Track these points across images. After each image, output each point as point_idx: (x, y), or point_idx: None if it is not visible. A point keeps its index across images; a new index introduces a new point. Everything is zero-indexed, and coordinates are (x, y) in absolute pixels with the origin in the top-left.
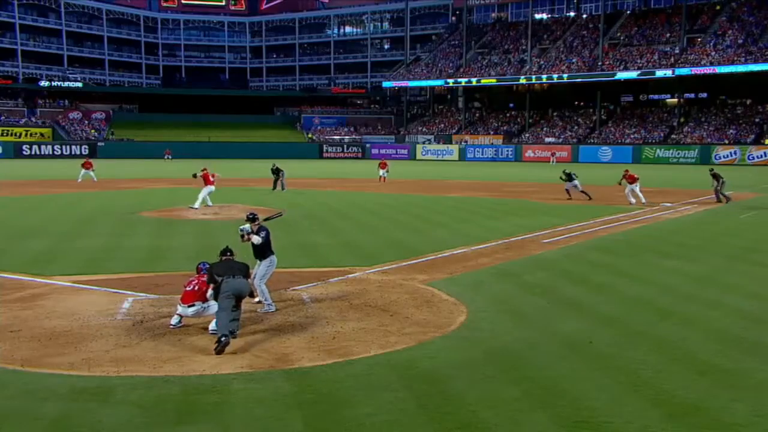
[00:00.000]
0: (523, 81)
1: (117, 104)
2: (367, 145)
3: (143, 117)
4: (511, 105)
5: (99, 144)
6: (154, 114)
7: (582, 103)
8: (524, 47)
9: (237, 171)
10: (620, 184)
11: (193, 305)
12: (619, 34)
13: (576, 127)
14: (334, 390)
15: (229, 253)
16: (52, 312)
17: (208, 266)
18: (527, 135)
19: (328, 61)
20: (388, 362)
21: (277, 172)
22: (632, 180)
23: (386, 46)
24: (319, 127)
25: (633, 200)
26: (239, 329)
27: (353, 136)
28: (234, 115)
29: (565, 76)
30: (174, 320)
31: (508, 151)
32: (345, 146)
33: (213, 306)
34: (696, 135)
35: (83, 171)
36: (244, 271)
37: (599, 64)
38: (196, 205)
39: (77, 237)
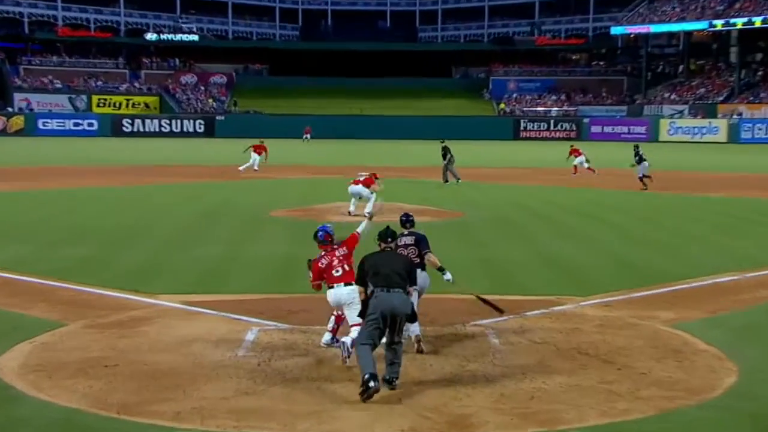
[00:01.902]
0: None
1: (242, 64)
2: (585, 121)
3: (275, 81)
4: None
5: (218, 118)
6: (289, 77)
7: None
8: None
9: (397, 156)
10: None
11: (350, 284)
12: None
13: None
14: None
15: (390, 239)
16: (156, 342)
17: (329, 231)
18: None
19: None
20: None
21: (445, 153)
22: None
23: None
24: (515, 95)
25: None
26: (397, 376)
27: (564, 108)
28: (396, 79)
29: None
30: (326, 338)
31: None
32: (551, 122)
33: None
34: None
35: (255, 157)
36: (408, 276)
37: None
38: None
39: (190, 243)
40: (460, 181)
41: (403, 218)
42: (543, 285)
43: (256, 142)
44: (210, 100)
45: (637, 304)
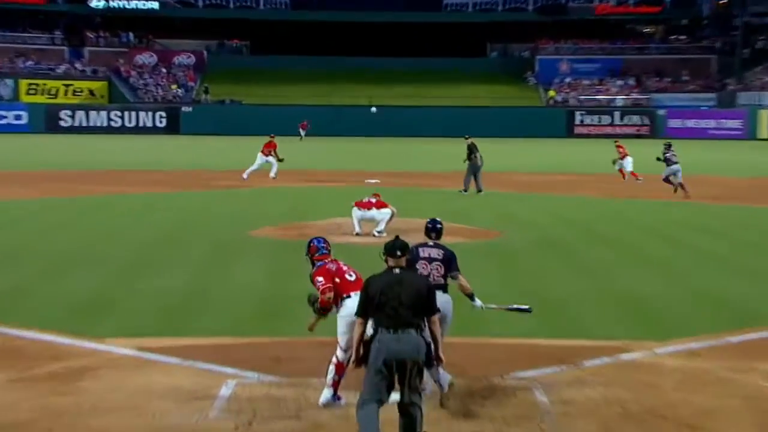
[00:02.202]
0: None
1: (215, 40)
2: (660, 113)
3: (258, 62)
4: None
5: (184, 109)
6: (277, 57)
7: None
8: None
9: (415, 159)
10: None
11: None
12: None
13: None
14: None
15: (399, 253)
16: (102, 401)
17: (322, 244)
18: None
19: None
20: None
21: (471, 153)
22: None
23: None
24: (568, 79)
25: None
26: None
27: (633, 95)
28: (414, 60)
29: None
30: (325, 395)
31: None
32: (616, 114)
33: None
34: None
35: (262, 159)
36: (424, 307)
37: None
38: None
39: (147, 272)
40: (482, 192)
41: (429, 225)
42: (606, 326)
43: (269, 140)
44: (174, 87)
45: (732, 353)
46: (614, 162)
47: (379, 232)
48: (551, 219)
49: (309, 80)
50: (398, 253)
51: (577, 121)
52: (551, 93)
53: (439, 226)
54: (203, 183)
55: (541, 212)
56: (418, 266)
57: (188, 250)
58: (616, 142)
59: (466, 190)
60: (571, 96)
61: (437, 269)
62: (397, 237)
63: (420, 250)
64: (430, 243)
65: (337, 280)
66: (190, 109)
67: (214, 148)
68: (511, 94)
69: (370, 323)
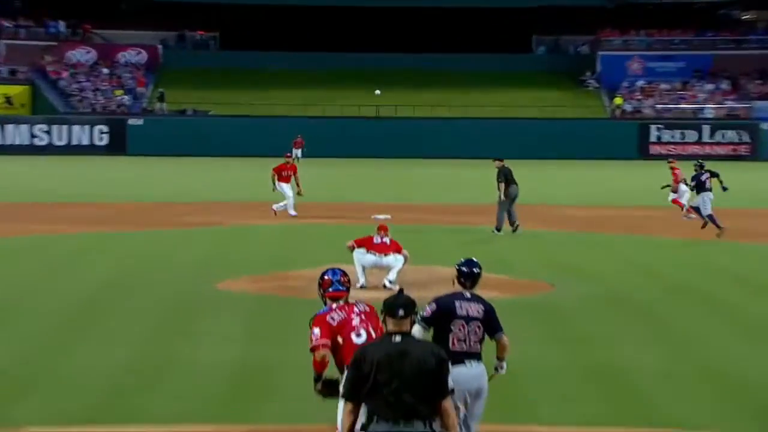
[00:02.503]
0: None
1: (173, 30)
2: (763, 127)
3: (230, 60)
4: None
5: (131, 122)
6: (253, 53)
7: None
8: None
9: (438, 188)
10: None
11: None
12: None
13: None
14: None
15: (402, 312)
16: None
17: (338, 277)
18: None
19: None
20: None
21: (505, 180)
22: None
23: None
24: (640, 82)
25: None
26: None
27: (728, 103)
28: (436, 56)
29: None
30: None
31: None
32: (705, 129)
33: None
34: None
35: (287, 192)
36: (435, 393)
37: None
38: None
39: (78, 340)
40: (518, 227)
41: (464, 268)
42: (701, 413)
43: (285, 161)
44: (118, 93)
45: None
46: (665, 188)
47: (391, 282)
48: (619, 267)
49: (297, 84)
50: (401, 312)
51: (653, 138)
52: (617, 101)
53: (477, 270)
54: (159, 220)
55: (605, 258)
56: (452, 327)
57: (138, 308)
58: (670, 162)
59: (499, 229)
60: (644, 105)
61: (475, 332)
62: (400, 291)
63: (457, 304)
64: (467, 294)
65: (340, 339)
66: (140, 122)
67: (173, 173)
68: (564, 102)
69: (363, 409)
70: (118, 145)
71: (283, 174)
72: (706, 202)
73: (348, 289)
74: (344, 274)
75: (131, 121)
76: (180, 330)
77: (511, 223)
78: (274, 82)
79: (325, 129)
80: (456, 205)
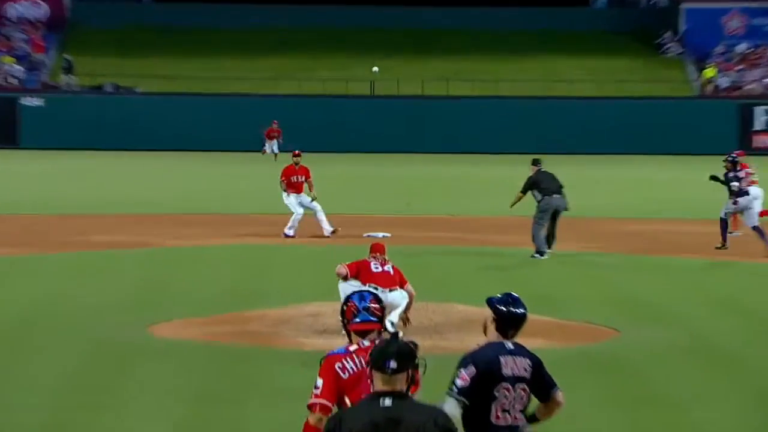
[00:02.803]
0: None
1: None
2: None
3: (166, 16)
4: None
5: (26, 102)
6: (201, 6)
7: None
8: None
9: (453, 195)
10: None
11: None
12: None
13: None
14: None
15: (393, 362)
16: None
17: (366, 303)
18: None
19: None
20: None
21: (539, 187)
22: None
23: None
24: (740, 47)
25: None
26: None
27: None
28: (454, 9)
29: None
30: None
31: None
32: None
33: None
34: None
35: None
36: None
37: None
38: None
39: None
40: (552, 246)
41: (504, 310)
42: None
43: (293, 162)
44: (8, 60)
45: None
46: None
47: (393, 324)
48: (706, 304)
49: (262, 49)
50: (392, 365)
51: (757, 125)
52: (708, 72)
53: (522, 311)
54: (63, 240)
55: (679, 290)
56: (497, 393)
57: (39, 363)
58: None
59: (541, 253)
60: (745, 78)
61: (522, 397)
62: (394, 336)
63: (501, 360)
64: (509, 346)
65: (347, 399)
66: (40, 102)
67: (83, 174)
68: (635, 74)
69: None
70: (5, 135)
71: (292, 180)
72: (749, 207)
73: (381, 320)
74: (376, 299)
75: (25, 101)
76: (101, 392)
77: (548, 245)
78: (229, 47)
79: (300, 112)
80: (477, 218)
